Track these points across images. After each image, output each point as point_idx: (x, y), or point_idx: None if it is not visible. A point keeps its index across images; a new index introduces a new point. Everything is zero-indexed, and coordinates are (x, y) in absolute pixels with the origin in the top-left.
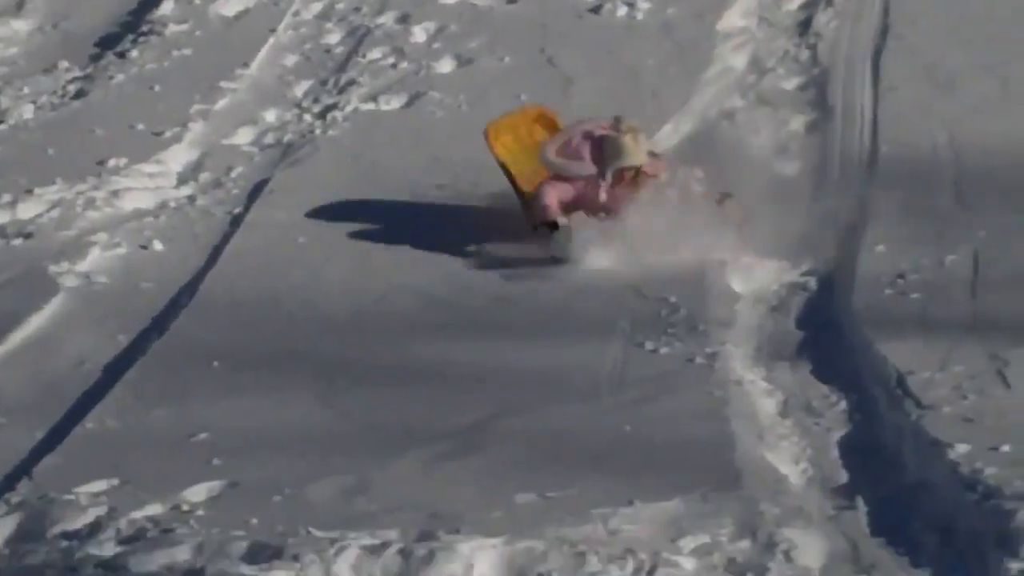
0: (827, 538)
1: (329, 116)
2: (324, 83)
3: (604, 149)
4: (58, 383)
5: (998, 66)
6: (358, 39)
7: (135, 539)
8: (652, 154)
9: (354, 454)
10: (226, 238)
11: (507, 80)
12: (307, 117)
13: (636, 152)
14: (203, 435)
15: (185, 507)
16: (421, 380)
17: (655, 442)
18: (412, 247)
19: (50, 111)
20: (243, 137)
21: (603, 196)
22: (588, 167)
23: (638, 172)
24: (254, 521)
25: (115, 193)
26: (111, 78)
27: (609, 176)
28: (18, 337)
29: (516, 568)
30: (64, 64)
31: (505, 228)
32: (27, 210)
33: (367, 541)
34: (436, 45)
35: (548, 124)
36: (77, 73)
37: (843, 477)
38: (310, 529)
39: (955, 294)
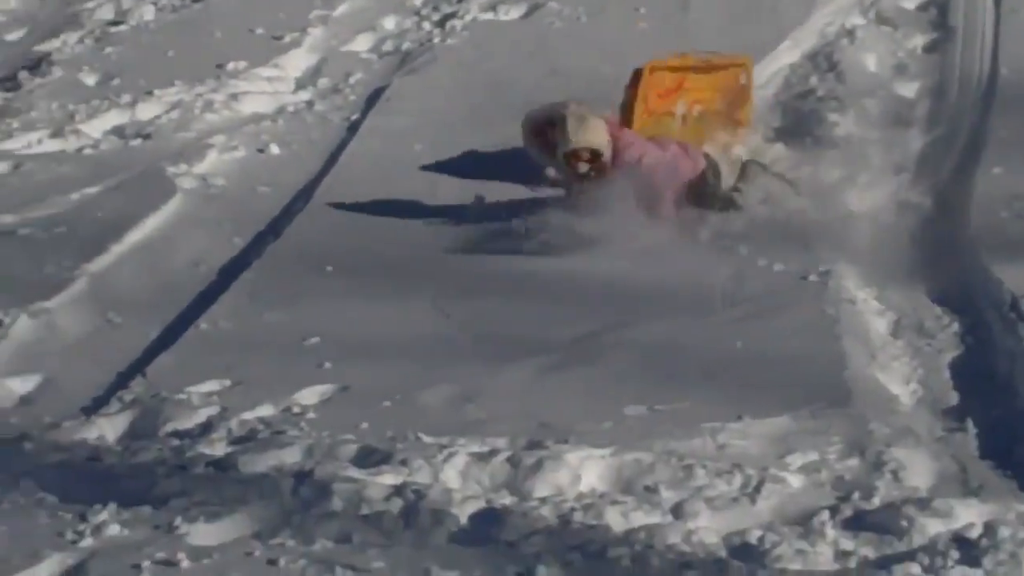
0: (935, 459)
1: (448, 25)
2: None
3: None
4: (174, 284)
5: None
6: None
7: (246, 439)
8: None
9: (465, 362)
10: (343, 144)
11: None
12: (426, 25)
13: (576, 135)
14: (315, 339)
15: (296, 409)
16: (534, 292)
17: (766, 358)
18: (526, 156)
19: (171, 13)
20: (362, 44)
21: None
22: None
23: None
24: (364, 425)
25: (233, 96)
26: None
27: (557, 166)
28: (135, 237)
29: (623, 479)
30: None
31: None
32: (146, 111)
33: (475, 448)
34: None
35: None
36: None
37: (953, 399)
38: (419, 434)
39: None
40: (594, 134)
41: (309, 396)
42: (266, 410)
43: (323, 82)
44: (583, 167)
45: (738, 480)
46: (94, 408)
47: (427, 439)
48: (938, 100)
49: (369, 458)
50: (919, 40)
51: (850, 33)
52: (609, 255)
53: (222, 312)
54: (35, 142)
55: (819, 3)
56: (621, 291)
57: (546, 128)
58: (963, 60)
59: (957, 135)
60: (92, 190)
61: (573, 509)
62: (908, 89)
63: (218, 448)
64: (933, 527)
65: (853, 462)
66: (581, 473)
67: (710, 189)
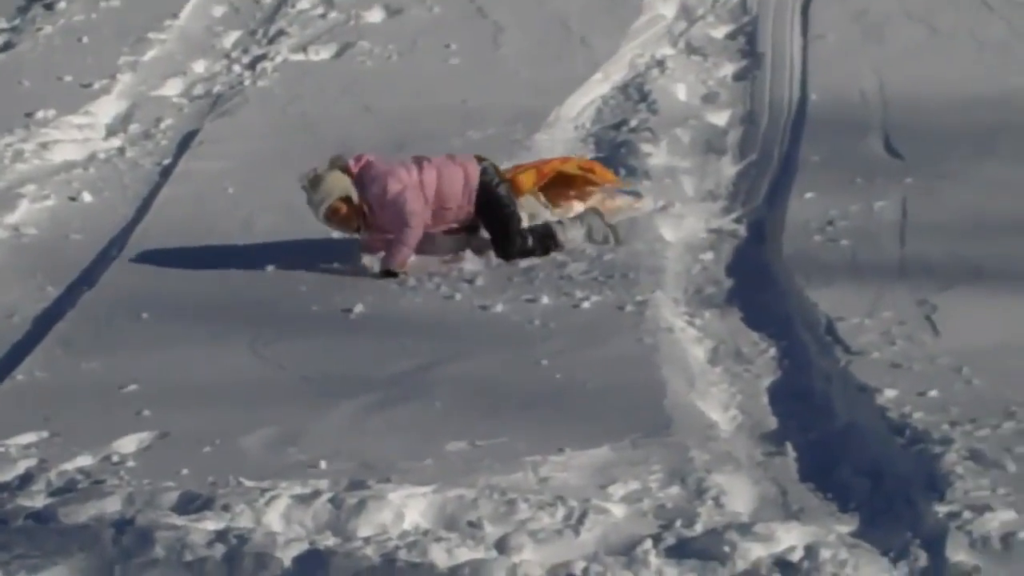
0: (756, 483)
1: (258, 67)
2: (253, 33)
3: None
4: None
5: (926, 12)
6: None
7: (66, 490)
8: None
9: (285, 404)
10: (156, 189)
11: (437, 29)
12: (236, 68)
13: (314, 205)
14: (133, 386)
15: (115, 458)
16: (352, 330)
17: (585, 389)
18: None
19: None
20: (172, 88)
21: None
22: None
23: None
24: (184, 471)
25: (44, 145)
26: (39, 30)
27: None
28: None
29: (446, 515)
30: None
31: None
32: None
33: (298, 490)
34: None
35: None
36: (4, 25)
37: (772, 423)
38: (240, 479)
39: (884, 240)
40: (327, 192)
41: (128, 444)
42: (85, 460)
43: (134, 128)
44: (348, 222)
45: (561, 512)
46: None
47: (248, 483)
48: (749, 127)
49: (190, 504)
50: (729, 68)
51: (660, 63)
52: (424, 292)
53: (37, 363)
54: None
55: (629, 34)
56: (438, 328)
57: None
58: (773, 87)
59: (769, 161)
60: None
61: (397, 547)
62: (719, 117)
63: (38, 500)
64: (755, 551)
65: (674, 490)
66: (404, 511)
67: (522, 240)
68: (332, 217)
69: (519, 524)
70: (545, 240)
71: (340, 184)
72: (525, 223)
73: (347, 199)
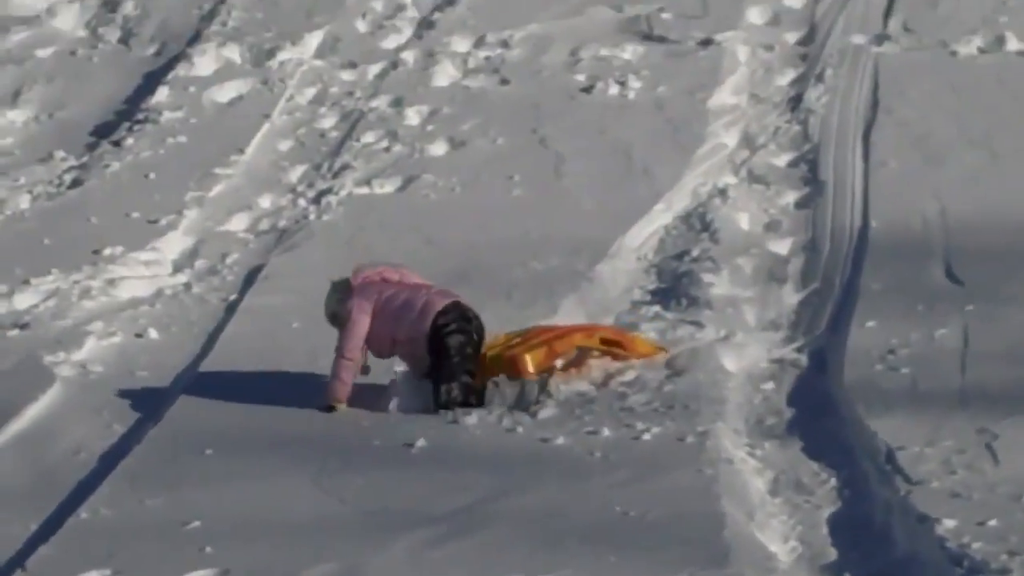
0: None
1: (323, 200)
2: (318, 167)
3: None
4: (54, 472)
5: (986, 137)
6: (352, 123)
7: None
8: None
9: (346, 539)
10: (221, 325)
11: (500, 161)
12: (301, 202)
13: None
14: (196, 523)
15: None
16: (414, 464)
17: (645, 521)
18: None
19: (46, 200)
20: (238, 223)
21: None
22: None
23: None
24: None
25: (111, 282)
26: (106, 167)
27: None
28: (14, 428)
29: None
30: (60, 153)
31: (498, 313)
32: (23, 300)
33: None
34: (429, 127)
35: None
36: (73, 162)
37: (832, 554)
38: None
39: (945, 368)
40: (326, 306)
41: None
42: None
43: (200, 263)
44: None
45: None
46: None
47: None
48: (811, 255)
49: None
50: (791, 196)
51: (722, 192)
52: (485, 426)
53: (103, 499)
54: None
55: (691, 164)
56: (499, 461)
57: None
58: (835, 214)
59: (831, 290)
60: None
61: None
62: (781, 246)
63: None
64: None
65: None
66: None
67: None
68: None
69: None
70: (467, 395)
71: (329, 300)
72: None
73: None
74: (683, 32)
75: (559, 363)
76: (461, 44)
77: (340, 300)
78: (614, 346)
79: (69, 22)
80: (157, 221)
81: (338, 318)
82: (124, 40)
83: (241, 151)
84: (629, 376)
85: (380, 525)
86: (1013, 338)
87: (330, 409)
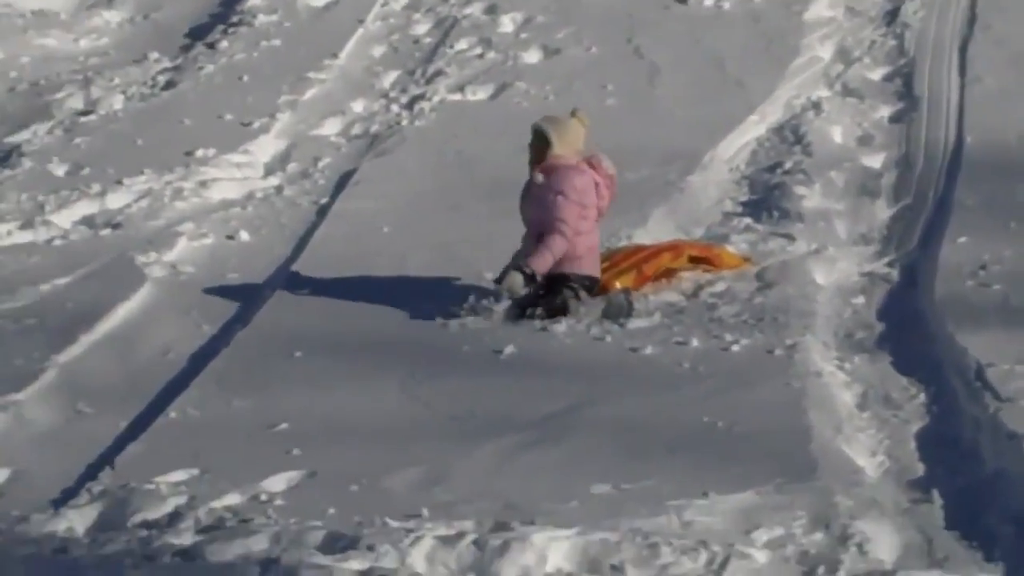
0: (901, 531)
1: (416, 107)
2: (411, 73)
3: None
4: (143, 373)
5: None
6: (445, 30)
7: (213, 528)
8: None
9: (433, 444)
10: (312, 228)
11: (594, 70)
12: (394, 107)
13: (542, 119)
14: (283, 425)
15: (263, 497)
16: (502, 372)
17: (731, 433)
18: (496, 238)
19: (140, 102)
20: (330, 128)
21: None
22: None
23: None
24: (331, 511)
25: (203, 183)
26: (200, 69)
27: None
28: (105, 327)
29: (589, 559)
30: (154, 55)
31: None
32: (116, 200)
33: (442, 532)
34: (523, 35)
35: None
36: (167, 64)
37: (919, 470)
38: (386, 519)
39: None
40: (551, 124)
41: (276, 483)
42: (233, 498)
43: (292, 167)
44: (532, 145)
45: (704, 557)
46: (63, 500)
47: (393, 523)
48: (904, 170)
49: (336, 544)
50: (885, 111)
51: (816, 105)
52: (574, 334)
53: (191, 401)
54: (5, 234)
55: (785, 76)
56: (587, 370)
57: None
58: (929, 130)
59: (923, 205)
60: (62, 281)
61: None
62: (874, 160)
63: (185, 538)
64: None
65: (818, 536)
66: (547, 554)
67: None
68: (536, 134)
69: (661, 569)
70: (556, 307)
71: (558, 131)
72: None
73: (548, 143)
74: None
75: (646, 289)
76: None
77: (567, 153)
78: (702, 263)
79: None
80: (250, 124)
81: (548, 152)
82: None
83: (335, 55)
84: (719, 287)
85: (466, 431)
86: None
87: (499, 281)
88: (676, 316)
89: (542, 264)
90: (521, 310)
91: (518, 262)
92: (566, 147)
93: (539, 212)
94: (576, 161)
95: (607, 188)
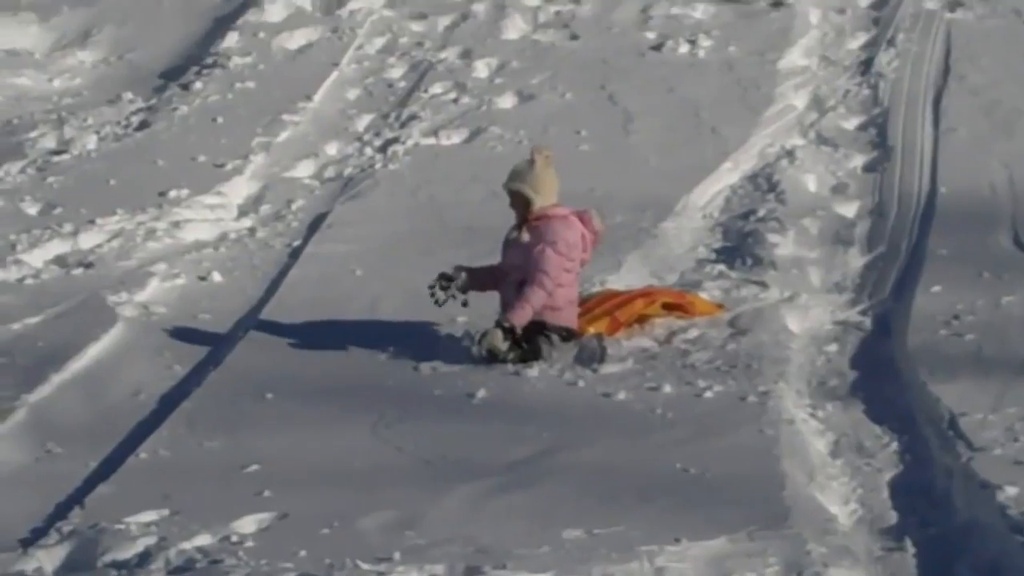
0: None
1: (390, 150)
2: (386, 117)
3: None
4: (114, 413)
5: None
6: (420, 74)
7: (184, 570)
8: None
9: (404, 487)
10: (284, 270)
11: (567, 116)
12: (368, 151)
13: (511, 175)
14: (255, 467)
15: (234, 538)
16: (474, 416)
17: (704, 480)
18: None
19: (113, 142)
20: (304, 170)
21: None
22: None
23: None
24: (302, 553)
25: (176, 224)
26: (175, 110)
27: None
28: (76, 366)
29: None
30: (128, 95)
31: None
32: (88, 240)
33: (414, 575)
34: (498, 80)
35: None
36: (141, 104)
37: (892, 518)
38: (357, 562)
39: (1010, 335)
40: (522, 181)
41: (248, 524)
42: (204, 539)
43: (265, 209)
44: (513, 205)
45: None
46: (32, 540)
47: (365, 566)
48: (878, 219)
49: None
50: (859, 160)
51: (790, 154)
52: (547, 379)
53: (162, 441)
54: None
55: (759, 124)
56: (559, 415)
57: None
58: (902, 179)
59: (897, 254)
60: (33, 320)
61: None
62: (848, 209)
63: None
64: None
65: None
66: None
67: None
68: (512, 195)
69: None
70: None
71: (533, 186)
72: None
73: (529, 201)
74: None
75: (620, 335)
76: None
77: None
78: (675, 309)
79: None
80: (223, 165)
81: (534, 203)
82: None
83: (309, 98)
84: (692, 334)
85: (438, 475)
86: None
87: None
88: (649, 362)
89: (521, 318)
90: (494, 355)
91: (497, 319)
92: (546, 196)
93: (523, 261)
94: (566, 213)
95: (593, 243)
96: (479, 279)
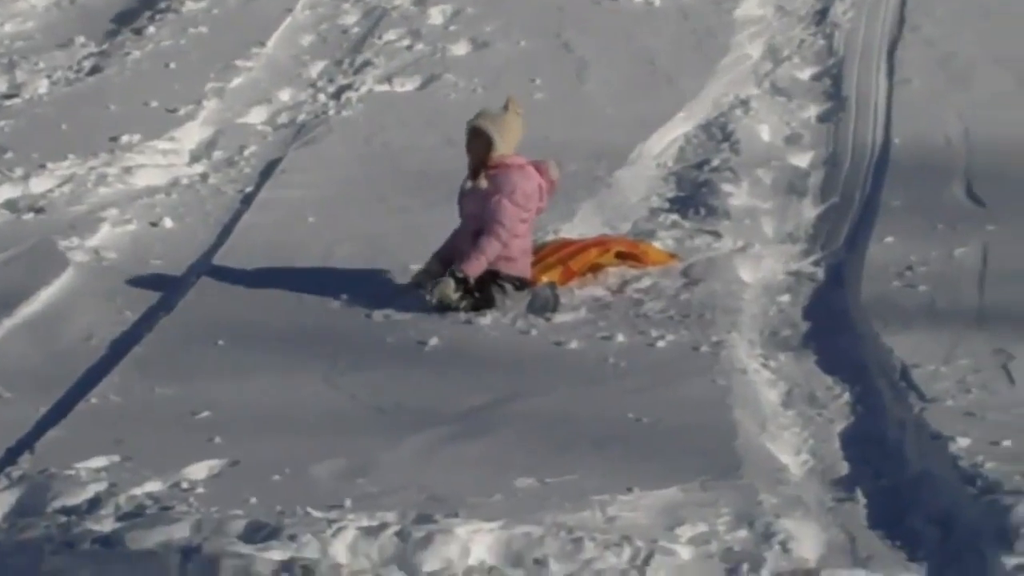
0: (825, 529)
1: (343, 97)
2: (339, 63)
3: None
4: (64, 358)
5: (1013, 59)
6: (374, 20)
7: (134, 515)
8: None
9: (357, 435)
10: (236, 216)
11: (522, 64)
12: (321, 97)
13: (480, 114)
14: (206, 413)
15: (185, 484)
16: (427, 364)
17: (656, 429)
18: (423, 228)
19: (65, 86)
20: (257, 116)
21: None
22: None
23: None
24: (253, 500)
25: (127, 169)
26: (127, 54)
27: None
28: (26, 311)
29: (513, 552)
30: (80, 39)
31: None
32: (39, 184)
33: (365, 522)
34: (452, 27)
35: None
36: (93, 49)
37: (844, 468)
38: (308, 509)
39: (963, 287)
40: (491, 123)
41: (198, 471)
42: (155, 485)
43: (217, 155)
44: (474, 150)
45: (627, 553)
46: None
47: (316, 513)
48: (831, 170)
49: (257, 533)
50: (813, 110)
51: (744, 103)
52: (500, 327)
53: (113, 386)
54: None
55: (714, 74)
56: (512, 363)
57: None
58: (856, 130)
59: (850, 205)
60: None
61: None
62: (802, 159)
63: (105, 524)
64: None
65: (742, 533)
66: (471, 546)
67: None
68: (476, 133)
69: (585, 564)
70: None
71: (498, 129)
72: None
73: (492, 144)
74: None
75: (573, 283)
76: None
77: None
78: (629, 258)
79: None
80: (176, 111)
81: (496, 147)
82: None
83: (262, 44)
84: (645, 283)
85: (390, 423)
86: None
87: (418, 287)
88: (602, 311)
89: (475, 269)
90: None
91: (452, 268)
92: (509, 144)
93: (479, 210)
94: (523, 162)
95: (549, 193)
96: (449, 252)
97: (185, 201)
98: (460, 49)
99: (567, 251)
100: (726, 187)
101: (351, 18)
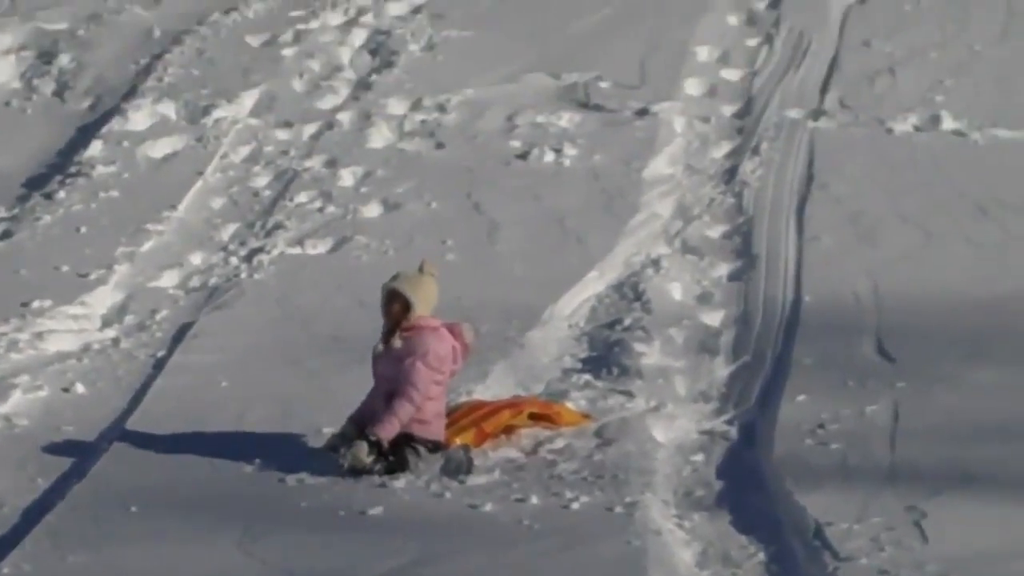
0: None
1: (255, 259)
2: (251, 226)
3: None
4: None
5: (920, 216)
6: (285, 182)
7: None
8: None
9: None
10: (149, 381)
11: (434, 225)
12: (233, 260)
13: (397, 277)
14: None
15: None
16: (341, 528)
17: None
18: (336, 391)
19: None
20: (169, 280)
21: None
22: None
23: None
24: None
25: (39, 335)
26: (37, 219)
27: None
28: None
29: None
30: None
31: None
32: None
33: None
34: (364, 189)
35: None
36: (3, 214)
37: None
38: None
39: (875, 445)
40: (408, 285)
41: None
42: None
43: (129, 319)
44: (390, 315)
45: None
46: None
47: None
48: (743, 328)
49: None
50: (724, 269)
51: (655, 263)
52: (413, 490)
53: (25, 556)
54: None
55: (625, 233)
56: (426, 527)
57: None
58: (767, 288)
59: (762, 363)
60: None
61: None
62: (713, 318)
63: None
64: None
65: None
66: None
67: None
68: (392, 296)
69: None
70: (395, 463)
71: (416, 293)
72: None
73: (409, 306)
74: (620, 101)
75: (487, 446)
76: (397, 107)
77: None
78: (542, 420)
79: (4, 73)
80: (87, 275)
81: (413, 309)
82: (59, 93)
83: (173, 207)
84: (558, 444)
85: None
86: (943, 417)
87: (332, 450)
88: (516, 473)
89: (389, 431)
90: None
91: (365, 431)
92: (425, 307)
93: (393, 372)
94: (437, 324)
95: (463, 355)
96: (363, 415)
97: (97, 366)
98: (372, 211)
99: (480, 413)
100: (638, 346)
101: (262, 180)
